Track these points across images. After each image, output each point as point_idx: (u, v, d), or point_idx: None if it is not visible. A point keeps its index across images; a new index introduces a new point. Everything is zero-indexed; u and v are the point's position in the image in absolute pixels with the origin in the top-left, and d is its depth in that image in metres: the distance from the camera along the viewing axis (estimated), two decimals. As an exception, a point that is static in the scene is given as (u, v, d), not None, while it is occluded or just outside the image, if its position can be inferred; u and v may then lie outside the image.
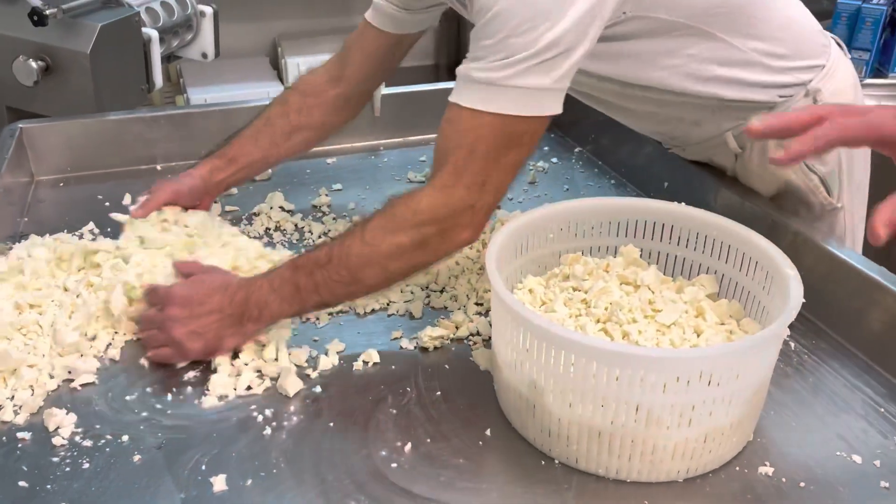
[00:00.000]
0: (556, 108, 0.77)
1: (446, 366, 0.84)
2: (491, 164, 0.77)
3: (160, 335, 0.82)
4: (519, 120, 0.76)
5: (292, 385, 0.79)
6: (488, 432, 0.75)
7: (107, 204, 1.14)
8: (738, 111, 0.94)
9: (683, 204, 0.87)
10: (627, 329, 0.75)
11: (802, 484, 0.69)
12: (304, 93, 1.09)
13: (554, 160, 1.33)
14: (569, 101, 1.37)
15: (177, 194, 1.03)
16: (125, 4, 1.49)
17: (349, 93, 1.08)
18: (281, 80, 2.48)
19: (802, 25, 0.95)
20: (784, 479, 0.70)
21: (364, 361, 0.84)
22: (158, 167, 1.26)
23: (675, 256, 0.88)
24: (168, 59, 1.82)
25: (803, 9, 0.97)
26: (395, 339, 0.88)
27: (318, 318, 0.91)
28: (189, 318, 0.81)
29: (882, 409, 0.78)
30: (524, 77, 0.73)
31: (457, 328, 0.89)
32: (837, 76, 0.96)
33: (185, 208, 1.04)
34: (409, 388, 0.81)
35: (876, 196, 1.11)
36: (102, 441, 0.73)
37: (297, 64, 2.46)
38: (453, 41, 2.51)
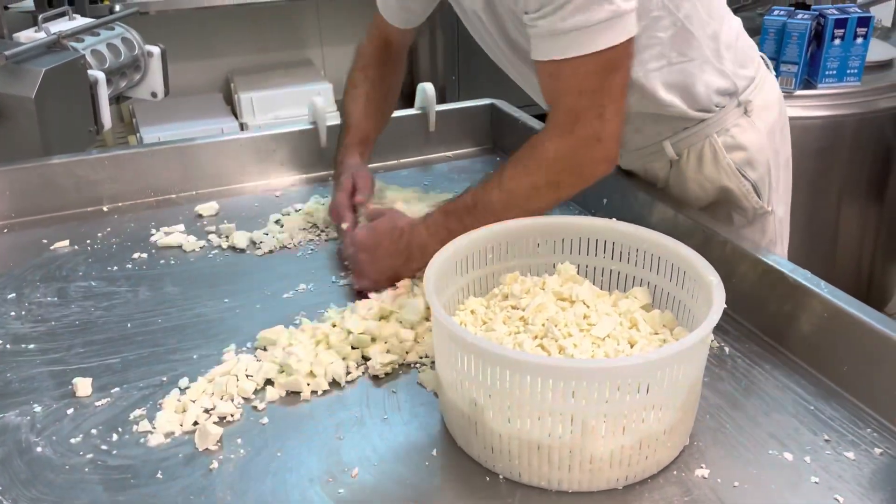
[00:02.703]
0: (634, 26, 0.84)
1: (394, 390, 0.86)
2: (600, 96, 0.86)
3: (357, 275, 1.02)
4: (610, 49, 0.84)
5: (202, 440, 0.78)
6: (434, 452, 0.76)
7: (52, 248, 1.14)
8: (677, 120, 1.00)
9: (615, 220, 0.90)
10: (563, 343, 0.77)
11: (736, 483, 0.72)
12: (378, 62, 1.21)
13: (499, 182, 1.36)
14: (515, 123, 1.39)
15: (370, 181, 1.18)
16: (70, 48, 1.49)
17: (400, 49, 1.22)
18: (235, 115, 2.49)
19: (743, 37, 1.04)
20: (719, 480, 0.72)
21: (312, 390, 0.85)
22: (105, 208, 1.26)
23: (612, 270, 0.91)
24: (117, 99, 1.83)
25: (742, 25, 1.06)
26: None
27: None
28: (370, 264, 0.99)
29: (812, 407, 0.81)
30: (598, 12, 0.81)
31: (406, 352, 0.91)
32: (766, 89, 1.03)
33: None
34: (356, 414, 0.82)
35: (796, 201, 1.16)
36: (46, 486, 0.73)
37: (251, 99, 2.47)
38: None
